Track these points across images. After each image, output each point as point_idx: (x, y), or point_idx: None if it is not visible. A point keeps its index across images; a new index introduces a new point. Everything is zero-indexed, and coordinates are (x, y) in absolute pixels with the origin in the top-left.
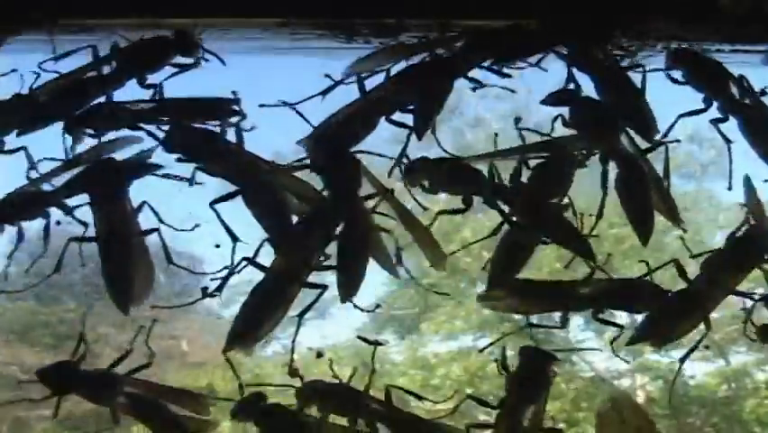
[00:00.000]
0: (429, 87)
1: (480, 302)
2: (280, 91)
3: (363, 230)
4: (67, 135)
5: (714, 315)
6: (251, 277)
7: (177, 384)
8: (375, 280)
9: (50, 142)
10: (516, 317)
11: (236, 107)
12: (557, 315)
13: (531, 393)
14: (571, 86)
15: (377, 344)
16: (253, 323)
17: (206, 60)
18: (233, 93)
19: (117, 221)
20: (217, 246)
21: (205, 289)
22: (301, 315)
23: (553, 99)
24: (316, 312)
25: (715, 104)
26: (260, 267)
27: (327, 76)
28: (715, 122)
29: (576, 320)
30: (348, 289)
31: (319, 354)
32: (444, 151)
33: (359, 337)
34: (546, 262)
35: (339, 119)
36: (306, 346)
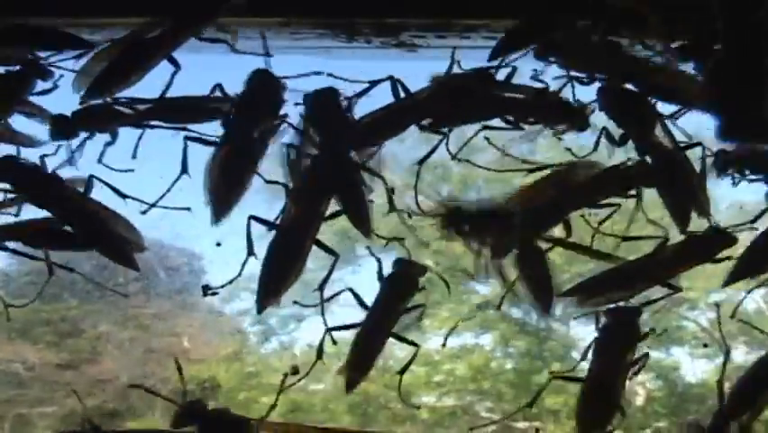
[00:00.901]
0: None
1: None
2: None
3: (353, 169)
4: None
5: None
6: (252, 273)
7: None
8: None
9: None
10: (517, 315)
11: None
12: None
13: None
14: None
15: None
16: (280, 275)
17: None
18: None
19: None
20: (218, 245)
21: (205, 287)
22: (321, 287)
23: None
24: (317, 311)
25: None
26: (269, 224)
27: (329, 75)
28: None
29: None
30: (361, 224)
31: (295, 371)
32: (449, 151)
33: None
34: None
35: (368, 120)
36: (306, 343)
